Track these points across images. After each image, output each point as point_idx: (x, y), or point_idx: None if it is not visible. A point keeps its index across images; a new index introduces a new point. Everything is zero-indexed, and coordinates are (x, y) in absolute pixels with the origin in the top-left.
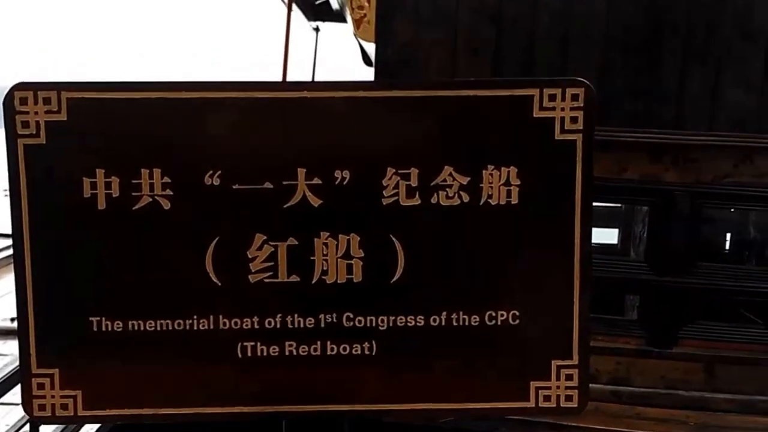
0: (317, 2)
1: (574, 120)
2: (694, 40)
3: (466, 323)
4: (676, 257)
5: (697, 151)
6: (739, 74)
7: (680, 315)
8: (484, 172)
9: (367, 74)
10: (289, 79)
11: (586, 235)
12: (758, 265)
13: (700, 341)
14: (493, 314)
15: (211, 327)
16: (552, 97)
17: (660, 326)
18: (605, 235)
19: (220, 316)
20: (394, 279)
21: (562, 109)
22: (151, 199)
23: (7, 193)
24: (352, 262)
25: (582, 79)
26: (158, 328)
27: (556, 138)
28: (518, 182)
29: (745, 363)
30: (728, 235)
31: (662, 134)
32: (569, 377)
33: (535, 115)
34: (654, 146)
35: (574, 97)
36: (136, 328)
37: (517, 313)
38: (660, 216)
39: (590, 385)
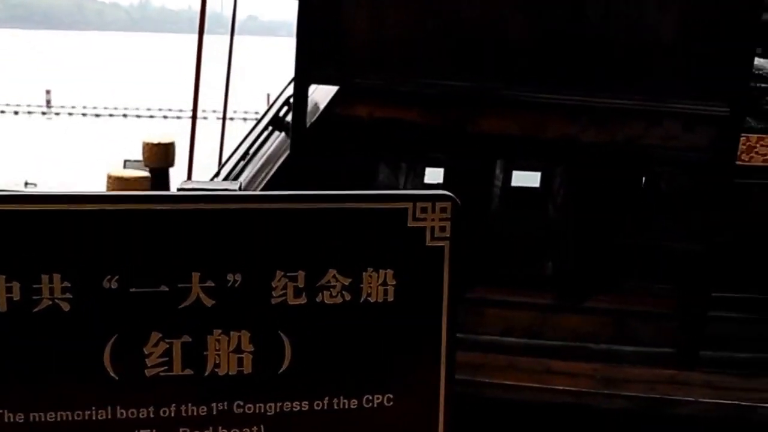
0: None
1: (442, 229)
2: (615, 7)
3: (346, 406)
4: (590, 215)
5: (612, 114)
6: (651, 42)
7: (594, 272)
8: (364, 273)
9: None
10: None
11: (452, 327)
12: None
13: (612, 296)
14: (370, 398)
15: (109, 417)
16: (424, 210)
17: (574, 282)
18: (530, 178)
19: (118, 407)
20: (282, 370)
21: (432, 220)
22: (51, 302)
23: None
24: (243, 355)
25: (449, 194)
26: (58, 419)
27: (427, 244)
28: (394, 282)
29: (652, 318)
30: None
31: (580, 96)
32: None
33: (409, 225)
34: (572, 107)
35: (443, 210)
36: (37, 419)
37: (391, 396)
38: (577, 175)
39: (506, 338)
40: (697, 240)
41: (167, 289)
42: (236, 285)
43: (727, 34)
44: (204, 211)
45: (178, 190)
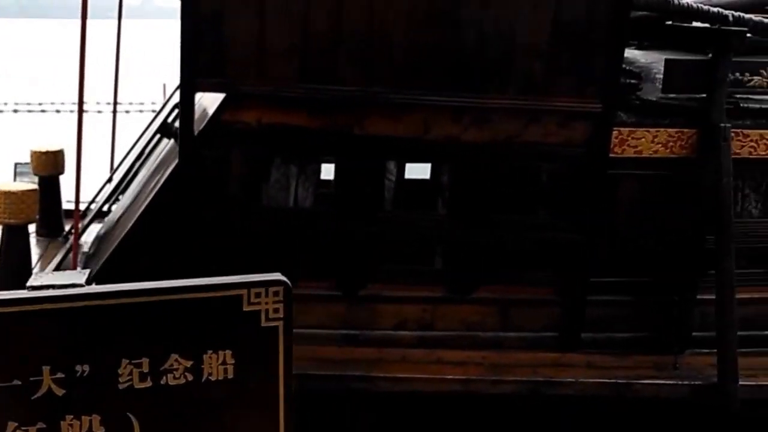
0: None
1: (276, 311)
2: (490, 8)
3: None
4: (475, 211)
5: (492, 113)
6: (527, 42)
7: (479, 263)
8: (204, 355)
9: None
10: None
11: (289, 398)
12: None
13: (497, 286)
14: None
15: None
16: (258, 295)
17: (460, 274)
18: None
19: None
20: None
21: (266, 303)
22: None
23: None
24: None
25: (282, 279)
26: None
27: (262, 325)
28: (233, 361)
29: (534, 304)
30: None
31: (461, 97)
32: None
33: (244, 309)
34: (454, 108)
35: (276, 293)
36: None
37: None
38: (462, 172)
39: (399, 332)
40: (574, 229)
41: (20, 382)
42: (85, 374)
43: (597, 32)
44: (50, 311)
45: (27, 287)
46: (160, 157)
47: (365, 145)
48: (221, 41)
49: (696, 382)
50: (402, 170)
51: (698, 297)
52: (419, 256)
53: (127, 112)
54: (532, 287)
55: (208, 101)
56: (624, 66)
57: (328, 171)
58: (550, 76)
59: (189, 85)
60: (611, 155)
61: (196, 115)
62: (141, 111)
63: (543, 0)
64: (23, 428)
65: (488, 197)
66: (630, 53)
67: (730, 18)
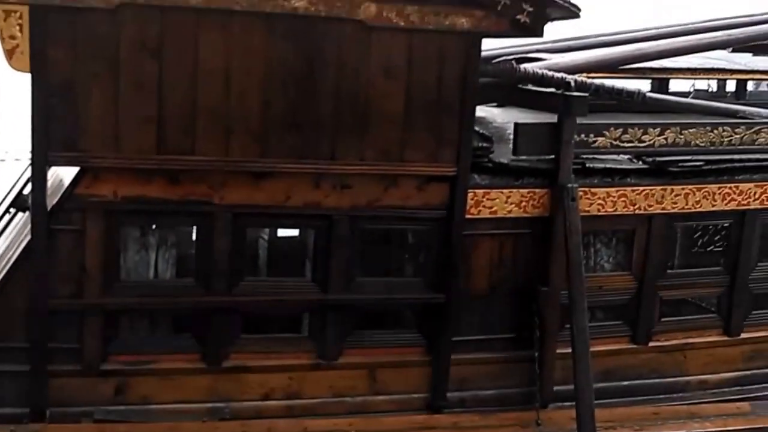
0: None
1: None
2: (345, 79)
3: None
4: (340, 275)
5: (352, 179)
6: (381, 110)
7: (344, 327)
8: None
9: None
10: None
11: None
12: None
13: (363, 350)
14: None
15: None
16: None
17: (327, 339)
18: None
19: None
20: None
21: None
22: None
23: None
24: None
25: None
26: None
27: None
28: None
29: (401, 366)
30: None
31: (321, 164)
32: None
33: None
34: (314, 175)
35: None
36: None
37: None
38: (324, 238)
39: (266, 402)
40: (436, 289)
41: None
42: None
43: (449, 99)
44: None
45: None
46: (14, 231)
47: (225, 214)
48: (74, 114)
49: None
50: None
51: (558, 351)
52: (285, 322)
53: (2, 160)
54: (399, 348)
55: (64, 173)
56: (477, 129)
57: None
58: (405, 141)
59: (41, 159)
60: (468, 216)
61: (51, 188)
62: (17, 159)
63: (396, 68)
64: None
65: (352, 261)
66: (488, 112)
67: (572, 84)
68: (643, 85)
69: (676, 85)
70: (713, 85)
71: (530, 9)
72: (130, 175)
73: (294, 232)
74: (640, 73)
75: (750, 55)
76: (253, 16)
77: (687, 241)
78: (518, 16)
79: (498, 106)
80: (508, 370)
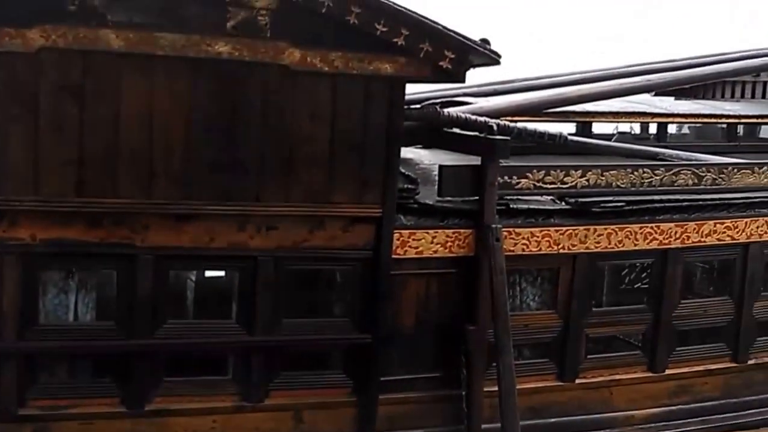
0: None
1: None
2: (269, 123)
3: None
4: (265, 317)
5: (277, 220)
6: (307, 152)
7: (270, 369)
8: None
9: None
10: None
11: None
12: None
13: (289, 391)
14: None
15: None
16: None
17: (252, 381)
18: None
19: None
20: None
21: None
22: None
23: None
24: None
25: None
26: None
27: None
28: None
29: (328, 407)
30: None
31: (246, 206)
32: None
33: None
34: (239, 217)
35: None
36: None
37: None
38: (250, 280)
39: None
40: (363, 330)
41: None
42: None
43: (374, 141)
44: None
45: None
46: None
47: (147, 256)
48: None
49: None
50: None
51: (486, 390)
52: (209, 364)
53: None
54: (325, 389)
55: None
56: (403, 171)
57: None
58: (331, 183)
59: None
60: (394, 257)
61: None
62: None
63: (321, 111)
64: None
65: (277, 302)
66: (416, 154)
67: (495, 127)
68: (569, 128)
69: (600, 128)
70: (636, 128)
71: (452, 56)
72: (49, 218)
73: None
74: (564, 117)
75: (672, 99)
76: (176, 60)
77: (614, 280)
78: (441, 63)
79: (425, 147)
80: (435, 409)
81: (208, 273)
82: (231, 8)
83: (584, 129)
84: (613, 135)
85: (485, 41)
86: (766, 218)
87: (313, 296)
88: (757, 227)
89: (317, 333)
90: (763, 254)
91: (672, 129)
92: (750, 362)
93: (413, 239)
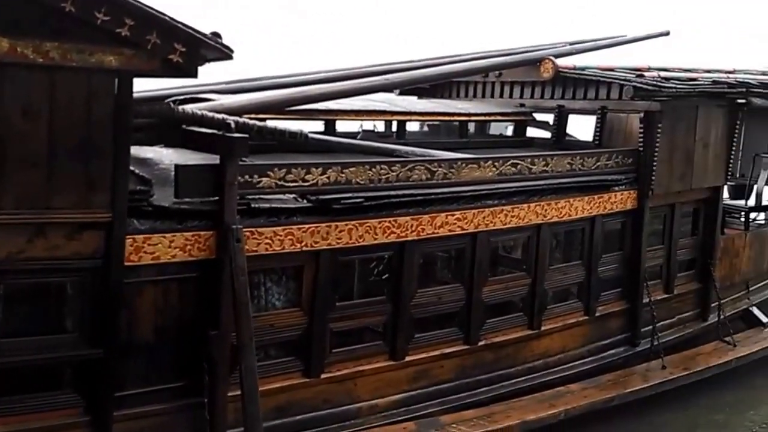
0: None
1: None
2: None
3: None
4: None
5: None
6: (20, 153)
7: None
8: None
9: None
10: None
11: None
12: None
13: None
14: None
15: None
16: None
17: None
18: None
19: None
20: None
21: None
22: None
23: None
24: None
25: None
26: None
27: None
28: None
29: (58, 430)
30: None
31: None
32: None
33: None
34: None
35: None
36: None
37: None
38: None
39: None
40: (93, 344)
41: None
42: None
43: (99, 139)
44: None
45: None
46: None
47: None
48: None
49: None
50: None
51: (231, 394)
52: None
53: None
54: (53, 412)
55: None
56: (136, 171)
57: None
58: (51, 186)
59: None
60: (127, 264)
61: None
62: None
63: (36, 108)
64: None
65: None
66: (157, 153)
67: (233, 125)
68: (317, 126)
69: (348, 126)
70: (380, 126)
71: (183, 49)
72: None
73: None
74: (309, 115)
75: (415, 98)
76: None
77: (360, 273)
78: (170, 56)
79: (168, 146)
80: (177, 420)
81: None
82: None
83: (330, 127)
84: (358, 133)
85: (216, 34)
86: (491, 209)
87: (36, 312)
88: (484, 218)
89: (40, 352)
90: (489, 242)
91: (416, 127)
92: (480, 344)
93: (148, 244)
